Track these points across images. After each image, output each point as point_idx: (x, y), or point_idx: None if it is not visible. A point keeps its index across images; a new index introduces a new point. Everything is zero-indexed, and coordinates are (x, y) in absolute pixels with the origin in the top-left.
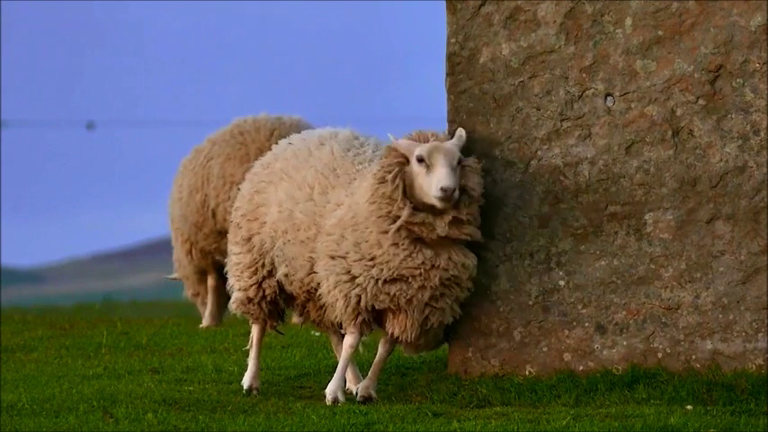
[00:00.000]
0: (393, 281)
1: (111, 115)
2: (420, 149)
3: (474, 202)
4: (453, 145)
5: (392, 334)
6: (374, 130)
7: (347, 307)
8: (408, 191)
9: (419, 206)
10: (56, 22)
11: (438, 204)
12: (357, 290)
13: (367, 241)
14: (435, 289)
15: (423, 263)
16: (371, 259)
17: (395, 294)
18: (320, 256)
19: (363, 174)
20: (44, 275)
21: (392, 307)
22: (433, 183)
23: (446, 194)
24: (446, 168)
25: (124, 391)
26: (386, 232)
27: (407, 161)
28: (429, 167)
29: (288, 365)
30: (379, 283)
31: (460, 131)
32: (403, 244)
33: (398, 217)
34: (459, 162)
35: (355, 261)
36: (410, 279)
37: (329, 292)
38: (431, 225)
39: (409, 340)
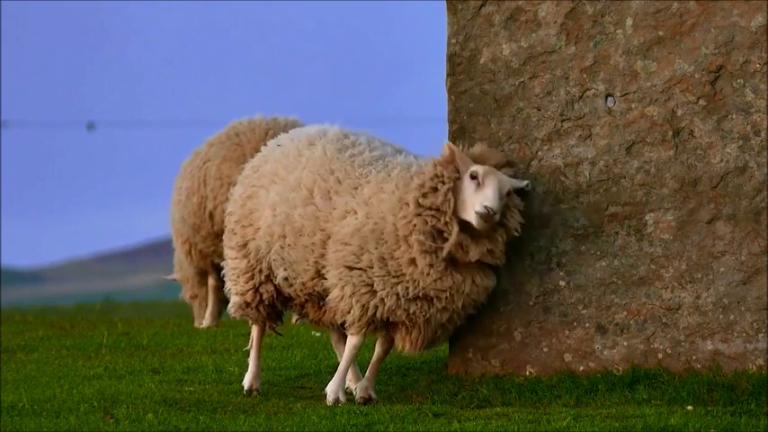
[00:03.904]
0: (416, 299)
1: (112, 116)
2: (476, 167)
3: (509, 236)
4: (508, 177)
5: (400, 347)
6: (375, 130)
7: (363, 316)
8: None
9: (459, 225)
10: (56, 22)
11: (475, 223)
12: (376, 301)
13: (396, 258)
14: (455, 312)
15: (451, 286)
16: (398, 276)
17: (414, 312)
18: (332, 265)
19: (372, 181)
20: (45, 276)
21: (407, 323)
22: (479, 199)
23: (488, 214)
24: (495, 191)
25: (125, 392)
26: (427, 252)
27: (459, 175)
28: (479, 186)
29: (288, 366)
30: (402, 299)
31: (528, 183)
32: (438, 265)
33: (442, 232)
34: (509, 194)
35: (379, 276)
36: (434, 300)
37: (342, 299)
38: (467, 248)
39: (414, 353)
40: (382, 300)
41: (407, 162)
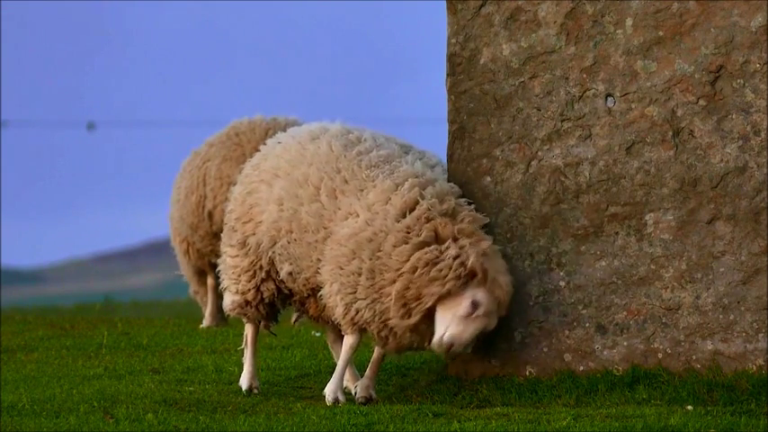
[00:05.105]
0: (387, 325)
1: (112, 115)
2: (483, 300)
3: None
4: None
5: (377, 347)
6: (375, 130)
7: (346, 314)
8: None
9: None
10: (56, 21)
11: (436, 345)
12: (357, 305)
13: (385, 279)
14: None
15: (423, 339)
16: (380, 292)
17: (386, 335)
18: (327, 262)
19: (379, 187)
20: (45, 276)
21: (378, 338)
22: (457, 329)
23: (444, 348)
24: (473, 335)
25: (125, 392)
26: (400, 305)
27: (472, 276)
28: (468, 316)
29: (288, 366)
30: (377, 317)
31: None
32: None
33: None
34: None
35: (363, 286)
36: (407, 340)
37: (331, 296)
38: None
39: (395, 354)
40: (360, 309)
41: (415, 172)
